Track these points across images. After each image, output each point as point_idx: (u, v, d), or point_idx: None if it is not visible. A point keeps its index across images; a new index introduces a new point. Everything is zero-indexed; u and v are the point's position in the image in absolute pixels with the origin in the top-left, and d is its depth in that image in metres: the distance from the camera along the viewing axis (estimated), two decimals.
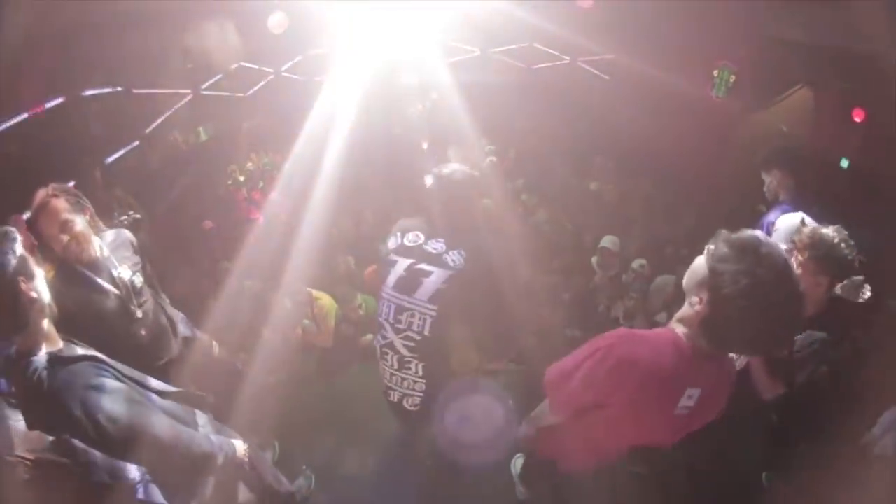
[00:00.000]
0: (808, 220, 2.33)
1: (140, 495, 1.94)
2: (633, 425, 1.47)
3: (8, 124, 3.28)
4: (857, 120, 3.98)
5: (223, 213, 5.82)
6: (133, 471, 1.93)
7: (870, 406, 2.75)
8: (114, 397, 1.54)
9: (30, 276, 1.46)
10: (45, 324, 1.53)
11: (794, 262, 2.00)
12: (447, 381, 2.26)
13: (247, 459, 2.00)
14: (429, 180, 2.21)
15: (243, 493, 2.21)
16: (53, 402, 1.46)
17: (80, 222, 2.11)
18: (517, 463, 2.94)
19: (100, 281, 2.17)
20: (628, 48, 7.39)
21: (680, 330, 1.35)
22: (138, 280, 2.31)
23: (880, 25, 3.26)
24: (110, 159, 4.56)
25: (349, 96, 6.63)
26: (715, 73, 5.58)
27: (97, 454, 1.84)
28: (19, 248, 1.45)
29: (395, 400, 2.26)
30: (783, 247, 2.13)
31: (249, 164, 6.90)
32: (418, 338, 2.05)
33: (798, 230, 2.13)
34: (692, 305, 1.28)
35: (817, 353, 2.07)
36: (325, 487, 2.93)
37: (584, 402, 1.46)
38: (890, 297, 2.87)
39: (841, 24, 3.56)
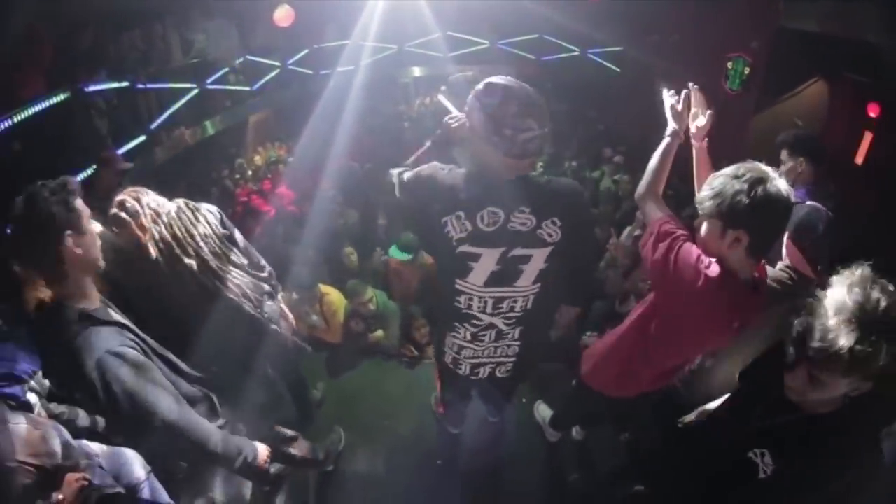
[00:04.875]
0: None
1: (145, 495, 1.93)
2: (692, 334, 1.66)
3: (11, 121, 3.28)
4: (873, 114, 3.87)
5: (229, 208, 5.83)
6: (138, 470, 1.92)
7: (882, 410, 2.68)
8: (132, 370, 1.46)
9: (80, 232, 1.43)
10: (87, 282, 1.49)
11: None
12: (540, 340, 2.10)
13: (266, 466, 1.83)
14: (471, 107, 1.62)
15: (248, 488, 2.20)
16: (72, 358, 1.41)
17: None
18: (540, 408, 3.15)
19: None
20: (638, 40, 7.29)
21: (728, 272, 1.50)
22: None
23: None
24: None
25: (356, 90, 6.61)
26: (729, 64, 5.46)
27: (100, 456, 1.84)
28: (75, 201, 1.42)
29: (485, 375, 2.03)
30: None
31: (257, 158, 6.92)
32: (521, 313, 1.85)
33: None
34: (728, 242, 1.46)
35: None
36: (336, 487, 2.92)
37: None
38: None
39: (857, 17, 3.46)
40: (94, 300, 1.52)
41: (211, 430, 1.64)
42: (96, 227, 1.52)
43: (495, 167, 1.63)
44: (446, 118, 1.81)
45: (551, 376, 3.47)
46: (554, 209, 1.66)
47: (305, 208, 5.66)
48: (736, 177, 1.42)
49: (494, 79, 1.58)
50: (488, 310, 1.81)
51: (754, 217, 1.40)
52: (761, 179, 1.40)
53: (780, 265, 2.22)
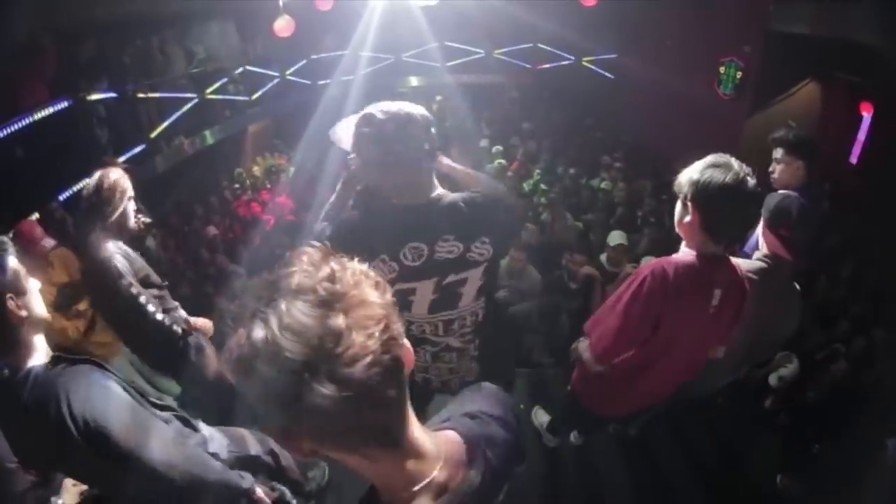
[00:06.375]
0: None
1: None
2: (681, 333, 1.70)
3: (13, 128, 3.31)
4: (866, 114, 3.92)
5: (228, 217, 5.85)
6: None
7: (887, 408, 2.68)
8: (121, 407, 1.33)
9: (20, 293, 1.30)
10: (38, 339, 1.36)
11: None
12: (503, 347, 2.14)
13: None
14: (363, 138, 1.54)
15: None
16: (47, 410, 1.24)
17: None
18: (538, 413, 3.08)
19: None
20: (632, 47, 7.39)
21: (690, 249, 1.66)
22: None
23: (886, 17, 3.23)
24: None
25: (354, 100, 6.66)
26: (721, 69, 5.53)
27: None
28: (11, 262, 1.30)
29: (456, 387, 1.99)
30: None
31: (256, 168, 6.95)
32: (473, 328, 1.84)
33: None
34: (687, 218, 1.58)
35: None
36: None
37: (637, 327, 1.70)
38: None
39: (847, 17, 3.51)
40: (43, 355, 1.36)
41: (210, 464, 1.53)
42: (35, 284, 1.38)
43: (399, 192, 1.62)
44: (348, 158, 1.76)
45: (547, 381, 3.47)
46: (480, 229, 1.65)
47: (304, 217, 5.69)
48: (703, 160, 1.57)
49: (370, 108, 1.56)
50: (440, 332, 1.82)
51: (697, 194, 1.54)
52: (717, 166, 1.51)
53: (756, 255, 2.23)
